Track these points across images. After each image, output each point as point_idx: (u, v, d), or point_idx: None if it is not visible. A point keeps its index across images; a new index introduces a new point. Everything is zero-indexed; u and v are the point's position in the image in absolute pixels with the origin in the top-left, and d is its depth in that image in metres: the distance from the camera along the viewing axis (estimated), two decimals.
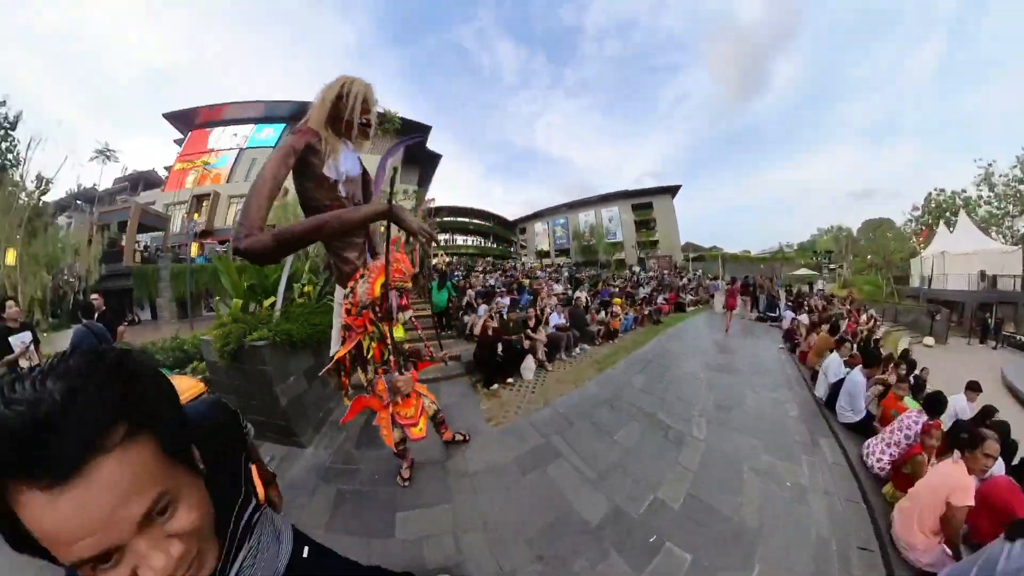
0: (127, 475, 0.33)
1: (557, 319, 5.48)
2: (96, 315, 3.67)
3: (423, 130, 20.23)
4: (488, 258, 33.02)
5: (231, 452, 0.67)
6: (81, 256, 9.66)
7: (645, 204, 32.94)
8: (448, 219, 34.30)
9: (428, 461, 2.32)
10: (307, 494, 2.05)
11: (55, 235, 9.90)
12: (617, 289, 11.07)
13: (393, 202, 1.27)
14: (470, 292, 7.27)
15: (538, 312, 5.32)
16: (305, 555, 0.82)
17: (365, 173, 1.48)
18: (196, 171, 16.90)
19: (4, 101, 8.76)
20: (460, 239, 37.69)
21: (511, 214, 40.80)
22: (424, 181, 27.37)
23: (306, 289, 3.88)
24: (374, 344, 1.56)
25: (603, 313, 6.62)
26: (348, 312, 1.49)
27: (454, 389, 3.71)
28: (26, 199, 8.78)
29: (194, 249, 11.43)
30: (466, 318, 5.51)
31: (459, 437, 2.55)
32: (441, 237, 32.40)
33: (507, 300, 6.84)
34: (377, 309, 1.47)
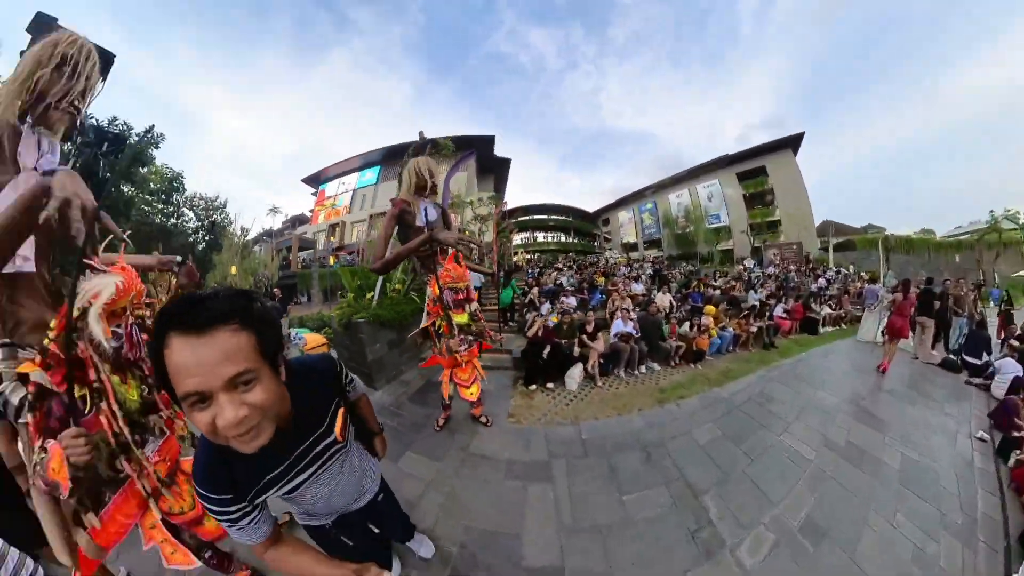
0: (231, 346, 0.51)
1: (621, 326, 4.59)
2: (277, 300, 6.94)
3: (486, 141, 22.31)
4: (569, 254, 30.93)
5: (324, 392, 0.83)
6: (268, 267, 16.38)
7: (755, 170, 23.67)
8: (524, 218, 34.15)
9: (450, 426, 2.73)
10: None
11: (254, 257, 17.26)
12: (717, 292, 8.30)
13: (438, 226, 2.27)
14: (534, 290, 7.21)
15: (607, 316, 4.81)
16: (380, 499, 1.12)
17: (444, 212, 2.46)
18: (326, 210, 26.19)
19: (218, 196, 17.64)
20: (540, 236, 37.15)
21: (593, 204, 37.96)
22: (499, 186, 28.80)
23: (396, 287, 4.99)
24: (443, 324, 2.31)
25: (687, 325, 5.16)
26: (427, 303, 2.38)
27: (496, 379, 3.82)
28: (237, 239, 16.42)
29: (331, 259, 16.39)
30: (528, 316, 5.50)
31: (483, 420, 2.79)
32: (521, 236, 33.77)
33: (573, 300, 6.24)
34: (442, 302, 2.28)
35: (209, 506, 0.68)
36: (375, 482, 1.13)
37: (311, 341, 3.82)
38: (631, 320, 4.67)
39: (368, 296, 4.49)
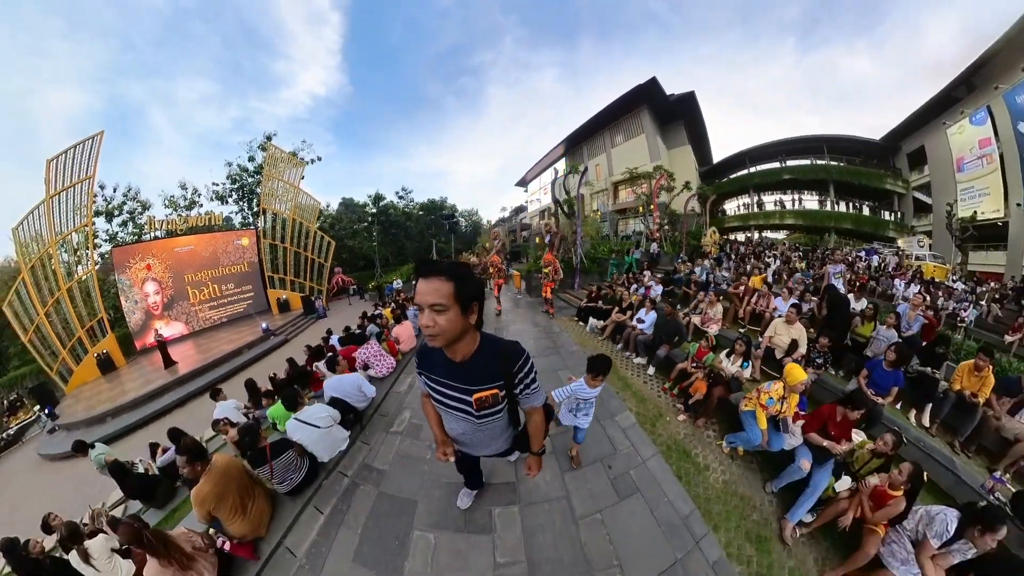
0: (437, 287, 1.13)
1: (642, 314, 5.68)
2: (508, 259, 16.93)
3: (648, 89, 22.48)
4: (825, 233, 21.14)
5: (493, 367, 1.34)
6: (503, 241, 27.03)
7: None
8: (739, 175, 26.81)
9: (540, 309, 8.27)
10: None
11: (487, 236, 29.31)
12: None
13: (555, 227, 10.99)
14: (640, 276, 9.04)
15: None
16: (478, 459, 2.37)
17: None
18: (531, 200, 39.48)
19: (474, 208, 33.52)
20: (772, 202, 25.74)
21: (882, 124, 21.25)
22: (694, 131, 25.50)
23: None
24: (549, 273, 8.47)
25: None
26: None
27: (569, 310, 8.53)
28: (486, 226, 34.71)
29: (536, 240, 24.07)
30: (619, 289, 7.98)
31: (548, 309, 8.14)
32: (738, 203, 27.97)
33: (660, 289, 7.61)
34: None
35: (415, 358, 1.52)
36: (492, 453, 1.71)
37: (516, 275, 10.40)
38: (653, 313, 5.68)
39: (539, 261, 10.62)
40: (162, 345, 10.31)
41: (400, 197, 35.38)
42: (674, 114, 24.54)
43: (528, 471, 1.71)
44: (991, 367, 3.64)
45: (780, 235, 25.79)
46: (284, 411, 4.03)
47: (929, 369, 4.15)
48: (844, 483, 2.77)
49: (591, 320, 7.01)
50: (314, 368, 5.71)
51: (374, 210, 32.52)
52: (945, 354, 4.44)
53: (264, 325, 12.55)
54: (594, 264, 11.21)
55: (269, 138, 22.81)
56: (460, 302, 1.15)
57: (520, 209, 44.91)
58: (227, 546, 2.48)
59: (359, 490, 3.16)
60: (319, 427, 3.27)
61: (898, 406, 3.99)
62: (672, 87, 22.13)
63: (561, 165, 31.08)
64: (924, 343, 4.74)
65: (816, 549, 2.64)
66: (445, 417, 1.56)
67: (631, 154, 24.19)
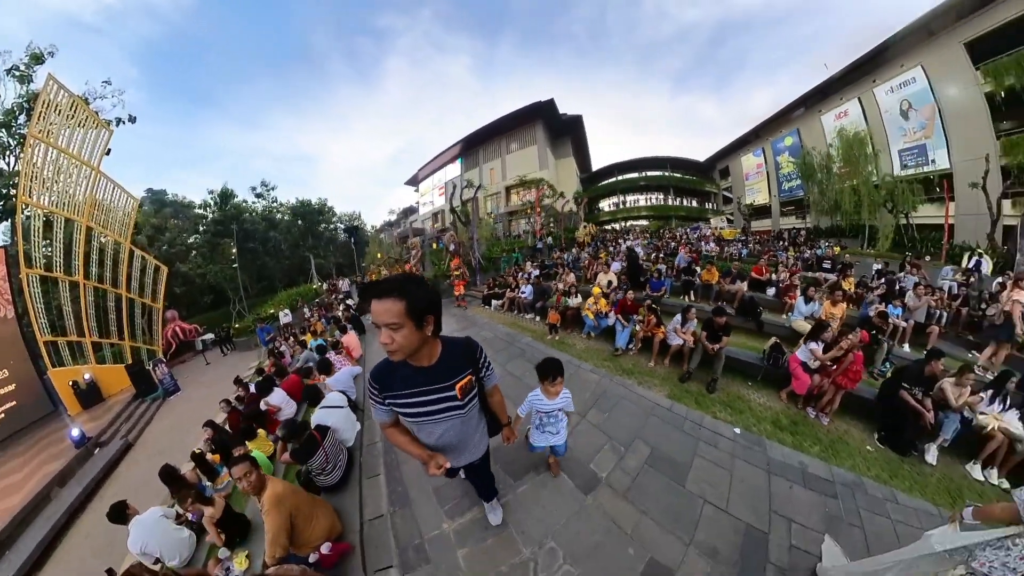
0: (389, 307, 1.31)
1: (522, 288, 9.37)
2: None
3: (545, 107, 27.06)
4: (669, 220, 31.33)
5: (459, 362, 1.58)
6: (391, 248, 28.77)
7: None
8: (609, 181, 36.05)
9: (455, 304, 11.36)
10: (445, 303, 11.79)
11: (386, 241, 32.23)
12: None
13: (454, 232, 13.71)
14: (523, 265, 13.12)
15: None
16: (477, 464, 1.97)
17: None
18: (423, 203, 39.40)
19: (355, 211, 33.83)
20: (632, 200, 36.84)
21: (710, 148, 34.98)
22: (579, 146, 32.22)
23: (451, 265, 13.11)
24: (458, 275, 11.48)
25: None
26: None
27: (476, 301, 11.58)
28: (372, 233, 32.92)
29: (433, 244, 25.35)
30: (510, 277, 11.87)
31: (463, 304, 11.33)
32: (610, 201, 36.27)
33: (536, 271, 11.43)
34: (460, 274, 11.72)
35: (369, 389, 1.55)
36: (478, 454, 1.90)
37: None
38: (529, 286, 9.34)
39: (442, 265, 13.60)
40: None
41: (259, 196, 28.20)
42: (564, 130, 30.42)
43: (505, 441, 2.07)
44: (716, 267, 8.71)
45: (644, 223, 35.43)
46: (265, 459, 3.93)
47: (690, 278, 8.75)
48: (638, 328, 6.07)
49: (493, 302, 10.29)
50: (264, 405, 5.38)
51: (217, 214, 24.81)
52: (694, 270, 9.15)
53: (76, 433, 7.36)
54: (490, 263, 14.13)
55: (39, 59, 12.34)
56: (413, 318, 1.32)
57: (410, 211, 42.57)
58: (325, 548, 2.36)
59: None
60: (342, 407, 3.83)
61: (680, 297, 8.46)
62: (574, 103, 27.87)
63: (456, 168, 33.62)
64: (689, 266, 9.61)
65: (642, 355, 5.90)
66: (425, 430, 1.68)
67: (524, 161, 28.63)
